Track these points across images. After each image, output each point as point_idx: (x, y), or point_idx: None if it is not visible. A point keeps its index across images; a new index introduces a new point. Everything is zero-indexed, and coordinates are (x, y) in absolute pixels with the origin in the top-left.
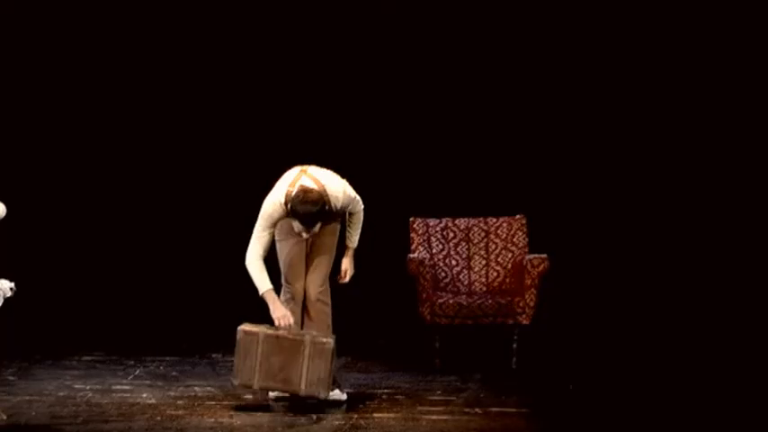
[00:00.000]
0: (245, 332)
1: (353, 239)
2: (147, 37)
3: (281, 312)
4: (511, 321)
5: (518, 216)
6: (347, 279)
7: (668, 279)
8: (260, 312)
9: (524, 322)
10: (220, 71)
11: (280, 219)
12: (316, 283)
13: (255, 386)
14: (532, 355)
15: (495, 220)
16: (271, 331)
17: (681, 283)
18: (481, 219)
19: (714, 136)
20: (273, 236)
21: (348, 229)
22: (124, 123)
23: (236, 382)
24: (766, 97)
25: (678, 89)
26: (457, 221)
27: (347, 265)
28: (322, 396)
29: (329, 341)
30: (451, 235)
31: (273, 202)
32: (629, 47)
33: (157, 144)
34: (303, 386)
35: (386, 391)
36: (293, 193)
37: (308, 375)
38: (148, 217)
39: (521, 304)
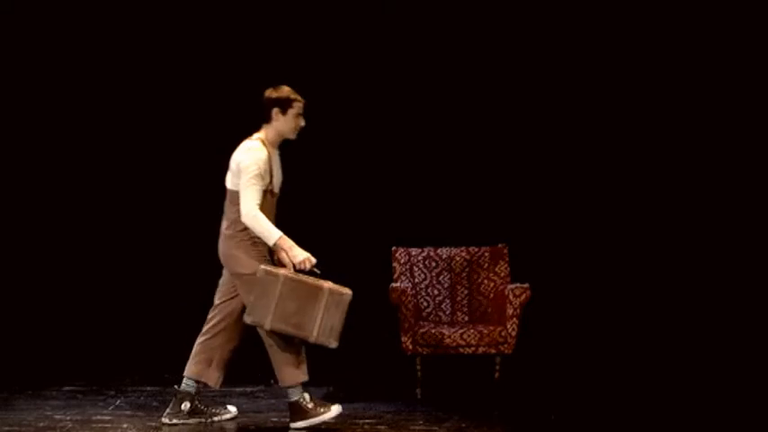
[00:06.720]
0: (267, 272)
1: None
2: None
3: (304, 255)
4: (493, 351)
5: (500, 245)
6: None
7: (650, 307)
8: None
9: (506, 352)
10: (207, 86)
11: (266, 164)
12: None
13: (267, 326)
14: (514, 384)
15: (477, 249)
16: (292, 275)
17: (662, 311)
18: (463, 248)
19: (694, 169)
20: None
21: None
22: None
23: (248, 320)
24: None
25: (654, 123)
26: (439, 251)
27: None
28: (332, 345)
29: (347, 292)
30: (434, 264)
31: (250, 148)
32: (604, 80)
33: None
34: (316, 333)
35: (368, 421)
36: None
37: (322, 323)
38: (129, 247)
39: (503, 334)
